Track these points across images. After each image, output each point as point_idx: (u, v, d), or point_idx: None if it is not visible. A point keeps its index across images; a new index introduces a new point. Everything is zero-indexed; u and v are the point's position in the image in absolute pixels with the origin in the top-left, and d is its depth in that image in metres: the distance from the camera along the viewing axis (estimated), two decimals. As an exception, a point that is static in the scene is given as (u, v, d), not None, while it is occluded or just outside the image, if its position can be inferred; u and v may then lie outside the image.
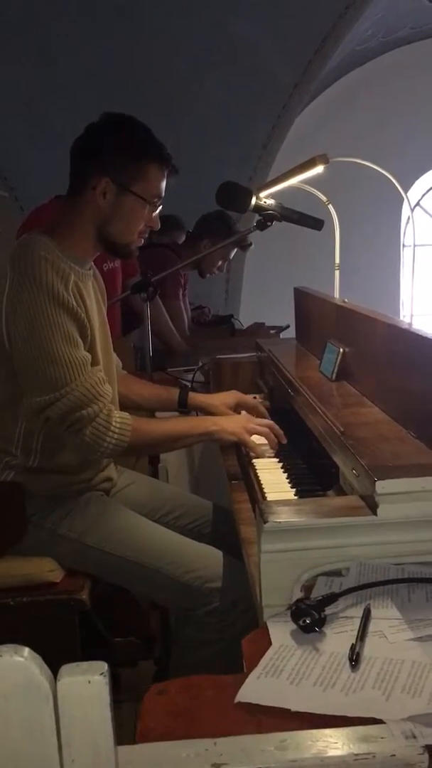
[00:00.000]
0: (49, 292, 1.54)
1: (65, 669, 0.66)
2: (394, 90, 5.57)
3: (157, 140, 1.69)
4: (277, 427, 1.85)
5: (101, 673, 0.65)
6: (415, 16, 5.17)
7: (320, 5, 4.14)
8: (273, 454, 1.81)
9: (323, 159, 2.19)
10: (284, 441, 1.83)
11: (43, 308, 1.54)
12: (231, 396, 2.03)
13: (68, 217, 1.69)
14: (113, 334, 1.93)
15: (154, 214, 1.72)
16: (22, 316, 1.55)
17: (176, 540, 1.72)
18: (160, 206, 1.73)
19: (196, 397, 2.02)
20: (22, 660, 0.65)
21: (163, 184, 1.71)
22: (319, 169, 2.23)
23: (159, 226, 1.77)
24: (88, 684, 0.65)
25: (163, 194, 1.72)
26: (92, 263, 1.80)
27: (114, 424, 1.60)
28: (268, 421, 1.88)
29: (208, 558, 1.66)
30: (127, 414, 1.66)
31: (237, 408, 2.00)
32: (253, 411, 2.00)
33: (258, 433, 1.81)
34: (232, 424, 1.80)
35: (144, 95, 4.03)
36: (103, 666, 0.66)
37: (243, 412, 1.99)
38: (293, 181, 2.45)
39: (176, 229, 3.82)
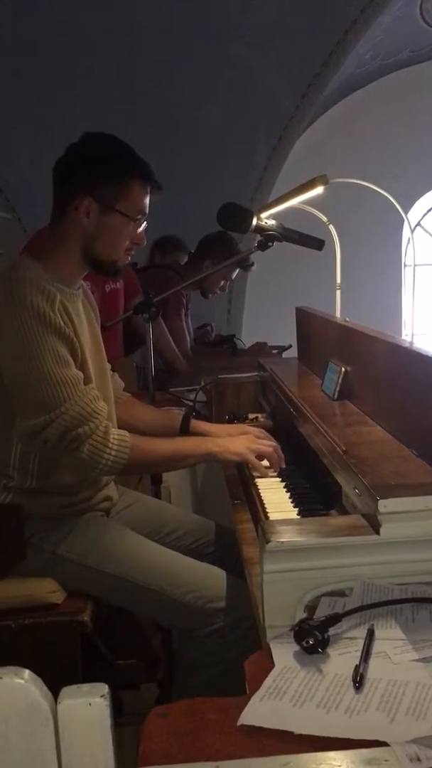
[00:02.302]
0: (35, 313, 1.54)
1: (66, 691, 0.66)
2: (394, 112, 5.62)
3: (139, 156, 1.69)
4: (277, 453, 1.83)
5: (102, 696, 0.65)
6: (414, 39, 5.23)
7: (319, 30, 4.20)
8: (276, 474, 1.80)
9: (323, 180, 2.21)
10: (283, 465, 1.82)
11: (30, 329, 1.53)
12: (235, 428, 2.02)
13: (54, 239, 1.70)
14: (115, 354, 1.93)
15: (139, 231, 1.72)
16: (10, 339, 1.55)
17: (178, 560, 1.71)
18: (145, 222, 1.73)
19: (199, 425, 1.99)
20: (23, 682, 0.64)
21: (147, 200, 1.71)
22: (319, 190, 2.25)
23: (145, 243, 1.77)
24: (88, 706, 0.65)
25: (147, 210, 1.72)
26: (85, 285, 1.80)
27: (112, 441, 1.60)
28: (272, 442, 1.86)
29: (211, 578, 1.65)
30: (125, 431, 1.66)
31: None
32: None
33: (262, 452, 1.80)
34: (236, 445, 1.79)
35: (146, 118, 4.08)
36: (104, 688, 0.66)
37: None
38: (294, 201, 2.47)
39: (178, 249, 3.84)
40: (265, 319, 4.85)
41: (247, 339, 4.23)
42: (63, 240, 1.68)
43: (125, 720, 1.82)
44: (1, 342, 1.56)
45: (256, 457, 1.79)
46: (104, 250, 1.70)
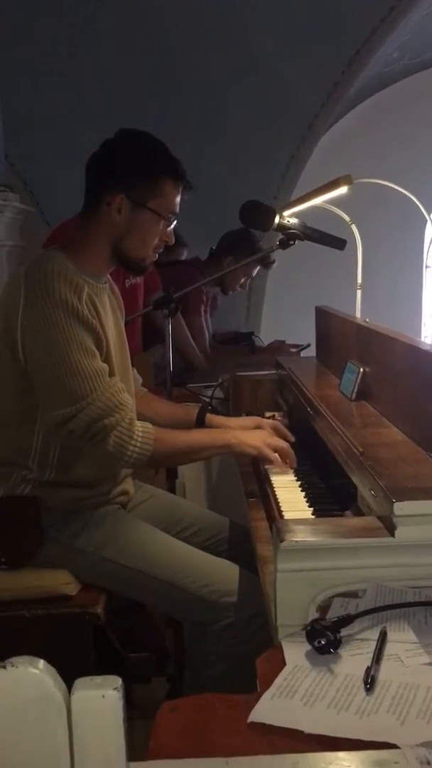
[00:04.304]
0: (63, 305, 1.55)
1: (79, 683, 0.66)
2: (420, 112, 5.56)
3: (173, 155, 1.71)
4: (291, 451, 1.83)
5: (115, 688, 0.65)
6: (441, 39, 5.18)
7: (347, 28, 4.17)
8: (292, 470, 1.80)
9: (347, 180, 2.20)
10: (294, 466, 1.81)
11: (57, 321, 1.55)
12: (250, 420, 2.02)
13: (83, 232, 1.71)
14: (134, 349, 1.93)
15: (168, 230, 1.74)
16: (38, 331, 1.56)
17: (193, 554, 1.71)
18: (175, 221, 1.75)
19: (214, 419, 2.00)
20: (37, 672, 0.65)
21: (178, 199, 1.72)
22: (342, 189, 2.24)
23: (173, 241, 1.79)
24: (101, 698, 0.65)
25: (178, 210, 1.73)
26: (110, 279, 1.81)
27: (137, 432, 1.61)
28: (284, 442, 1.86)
29: (225, 572, 1.66)
30: (149, 423, 1.67)
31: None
32: (275, 432, 1.99)
33: (278, 448, 1.80)
34: (253, 438, 1.79)
35: (169, 115, 4.08)
36: (117, 680, 0.66)
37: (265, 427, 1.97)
38: (317, 201, 2.46)
39: (178, 244, 3.81)
40: (284, 317, 4.84)
41: (265, 337, 4.23)
42: (92, 234, 1.70)
43: (136, 713, 1.83)
44: (28, 333, 1.57)
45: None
46: (134, 248, 1.71)
